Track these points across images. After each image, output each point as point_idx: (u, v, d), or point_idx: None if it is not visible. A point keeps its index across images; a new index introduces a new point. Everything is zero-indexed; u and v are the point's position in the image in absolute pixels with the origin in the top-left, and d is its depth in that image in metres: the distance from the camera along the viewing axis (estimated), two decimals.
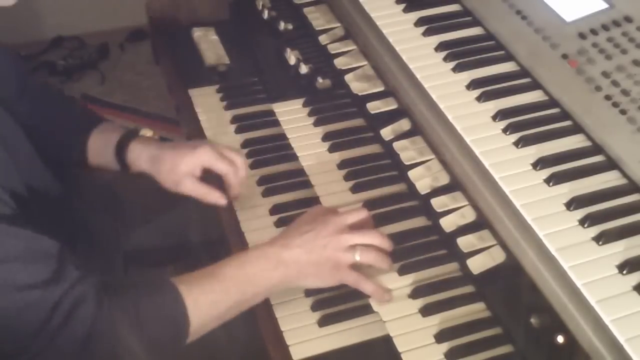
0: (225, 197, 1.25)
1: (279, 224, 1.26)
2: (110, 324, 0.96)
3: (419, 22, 1.24)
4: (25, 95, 1.29)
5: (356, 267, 1.12)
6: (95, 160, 1.34)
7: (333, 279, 1.10)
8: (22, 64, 1.35)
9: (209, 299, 1.03)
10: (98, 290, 0.97)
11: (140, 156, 1.29)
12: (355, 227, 1.13)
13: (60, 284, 0.94)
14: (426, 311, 1.09)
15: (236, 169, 1.26)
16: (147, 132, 1.36)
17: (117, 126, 1.36)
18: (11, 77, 1.26)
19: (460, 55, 1.17)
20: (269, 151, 1.39)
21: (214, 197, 1.25)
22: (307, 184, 1.31)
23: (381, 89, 1.32)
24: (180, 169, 1.24)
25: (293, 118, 1.42)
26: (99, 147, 1.32)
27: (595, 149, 1.02)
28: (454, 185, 1.15)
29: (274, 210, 1.28)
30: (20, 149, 1.14)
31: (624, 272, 0.88)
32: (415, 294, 1.11)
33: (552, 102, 1.09)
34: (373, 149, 1.36)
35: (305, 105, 1.45)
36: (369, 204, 1.24)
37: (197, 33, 1.67)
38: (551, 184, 0.98)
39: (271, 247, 1.09)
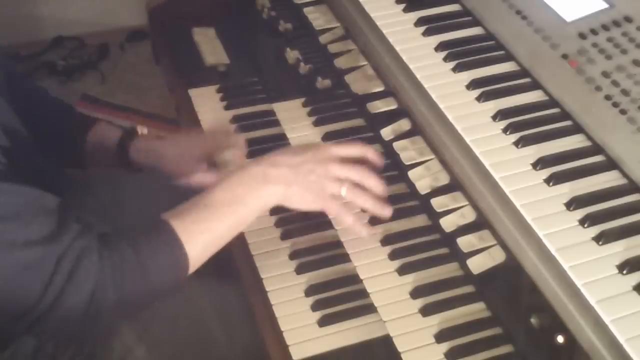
0: None
1: (279, 223, 1.26)
2: (113, 273, 0.96)
3: (419, 22, 1.24)
4: (18, 95, 1.29)
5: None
6: (94, 160, 1.35)
7: (315, 204, 1.10)
8: (11, 64, 1.35)
9: (202, 228, 1.03)
10: (98, 242, 0.97)
11: (145, 153, 1.30)
12: (349, 162, 1.12)
13: (62, 239, 0.94)
14: (426, 311, 1.09)
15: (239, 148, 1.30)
16: (143, 130, 1.36)
17: (113, 126, 1.36)
18: None
19: (460, 55, 1.17)
20: (269, 151, 1.38)
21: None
22: None
23: (381, 89, 1.32)
24: (187, 160, 1.26)
25: (293, 118, 1.42)
26: (98, 148, 1.33)
27: (595, 149, 1.02)
28: (454, 185, 1.15)
29: (274, 210, 1.28)
30: (3, 113, 1.13)
31: (624, 272, 0.88)
32: (415, 294, 1.11)
33: (552, 102, 1.09)
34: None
35: (305, 105, 1.45)
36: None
37: (197, 33, 1.67)
38: (551, 184, 0.98)
39: (258, 165, 1.09)
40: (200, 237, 1.03)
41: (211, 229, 1.04)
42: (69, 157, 1.35)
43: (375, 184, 1.12)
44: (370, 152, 1.17)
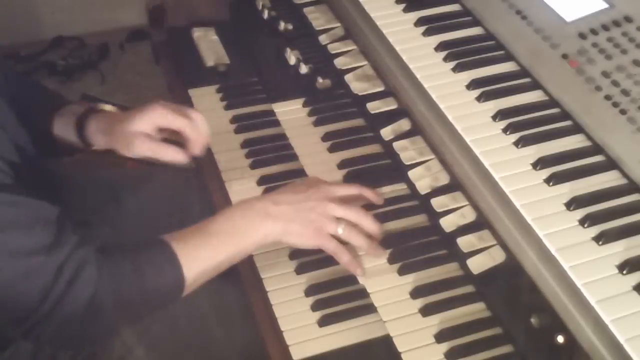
0: (183, 153, 1.19)
1: None
2: (111, 285, 0.98)
3: (419, 22, 1.24)
4: (14, 87, 1.28)
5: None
6: (63, 143, 1.29)
7: (313, 242, 1.12)
8: (8, 65, 1.33)
9: (201, 255, 1.05)
10: (97, 253, 0.98)
11: (97, 130, 1.24)
12: (347, 203, 1.15)
13: (62, 249, 0.96)
14: (426, 311, 1.09)
15: (194, 123, 1.20)
16: (107, 107, 1.31)
17: (78, 106, 1.30)
18: None
19: (460, 55, 1.17)
20: (269, 151, 1.39)
21: (169, 153, 1.18)
22: None
23: (381, 89, 1.32)
24: (131, 129, 1.18)
25: (293, 118, 1.42)
26: (63, 129, 1.28)
27: (595, 149, 1.02)
28: (454, 185, 1.15)
29: None
30: (7, 120, 1.13)
31: (624, 272, 0.88)
32: (415, 294, 1.11)
33: (552, 102, 1.09)
34: (373, 149, 1.36)
35: (305, 105, 1.45)
36: (369, 204, 1.24)
37: (197, 33, 1.67)
38: (551, 184, 0.98)
39: (260, 202, 1.12)
40: (198, 262, 1.05)
41: (209, 256, 1.06)
42: (42, 142, 1.28)
43: (370, 224, 1.15)
44: (368, 193, 1.20)
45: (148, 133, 1.19)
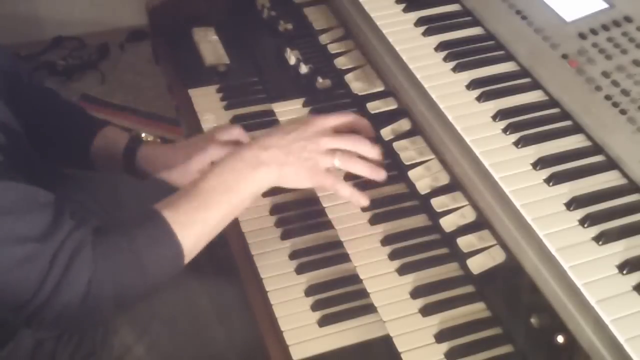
0: None
1: (279, 224, 1.26)
2: (108, 266, 0.97)
3: (419, 22, 1.24)
4: (19, 88, 1.29)
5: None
6: (100, 164, 1.34)
7: (310, 181, 1.11)
8: (17, 64, 1.35)
9: (195, 218, 1.02)
10: (93, 236, 0.97)
11: (150, 163, 1.28)
12: (339, 132, 1.12)
13: (57, 234, 0.95)
14: (426, 311, 1.09)
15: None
16: (148, 137, 1.36)
17: (119, 131, 1.35)
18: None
19: (460, 55, 1.17)
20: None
21: None
22: None
23: (381, 89, 1.32)
24: (192, 169, 1.22)
25: (293, 118, 1.42)
26: (105, 152, 1.32)
27: (595, 149, 1.02)
28: (454, 185, 1.15)
29: (275, 210, 1.28)
30: (10, 130, 1.12)
31: (624, 272, 0.88)
32: (415, 294, 1.11)
33: (552, 102, 1.09)
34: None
35: (305, 105, 1.45)
36: (369, 204, 1.24)
37: (197, 33, 1.67)
38: (551, 184, 0.98)
39: (249, 150, 1.08)
40: (193, 227, 1.02)
41: (204, 218, 1.03)
42: (76, 159, 1.34)
43: (368, 149, 1.12)
44: (361, 120, 1.17)
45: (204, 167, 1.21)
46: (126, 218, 1.05)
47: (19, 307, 0.95)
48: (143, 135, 1.35)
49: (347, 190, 1.11)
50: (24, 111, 1.23)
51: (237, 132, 1.27)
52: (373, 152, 1.13)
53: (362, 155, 1.13)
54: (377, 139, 1.33)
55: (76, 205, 1.17)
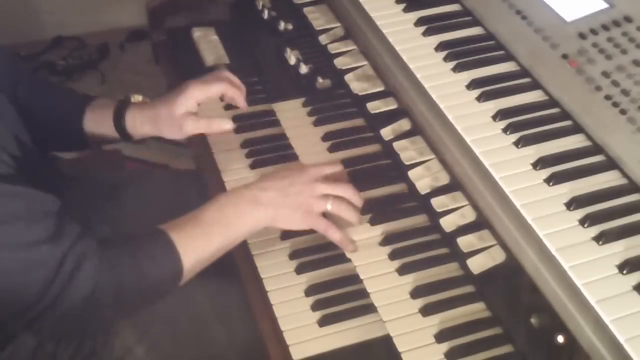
0: (229, 121, 1.29)
1: None
2: (111, 277, 1.00)
3: (419, 22, 1.24)
4: (20, 86, 1.29)
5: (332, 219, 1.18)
6: (95, 137, 1.34)
7: (304, 223, 1.16)
8: (13, 58, 1.35)
9: (196, 244, 1.08)
10: (98, 245, 1.00)
11: (139, 122, 1.30)
12: (330, 180, 1.19)
13: (63, 241, 0.98)
14: (426, 311, 1.09)
15: (228, 82, 1.29)
16: (137, 98, 1.35)
17: (107, 100, 1.35)
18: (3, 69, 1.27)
19: (460, 55, 1.17)
20: (269, 151, 1.39)
21: (220, 124, 1.27)
22: None
23: (381, 89, 1.32)
24: (177, 113, 1.25)
25: (293, 118, 1.42)
26: (96, 124, 1.32)
27: (595, 149, 1.02)
28: (454, 185, 1.15)
29: None
30: (6, 113, 1.14)
31: (624, 272, 0.88)
32: (415, 294, 1.11)
33: (552, 102, 1.09)
34: (373, 149, 1.36)
35: (305, 105, 1.45)
36: (369, 204, 1.24)
37: (197, 33, 1.67)
38: (551, 184, 0.98)
39: (249, 190, 1.15)
40: (194, 252, 1.08)
41: (204, 246, 1.09)
42: (71, 139, 1.36)
43: (353, 195, 1.19)
44: (340, 168, 1.26)
45: (193, 112, 1.26)
46: (132, 233, 1.08)
47: (21, 312, 0.96)
48: (132, 96, 1.35)
49: (337, 235, 1.17)
50: (21, 102, 1.23)
51: (220, 77, 1.30)
52: (357, 198, 1.20)
53: (349, 201, 1.19)
54: (377, 139, 1.34)
55: (81, 208, 1.18)
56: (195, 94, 1.26)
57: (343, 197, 1.18)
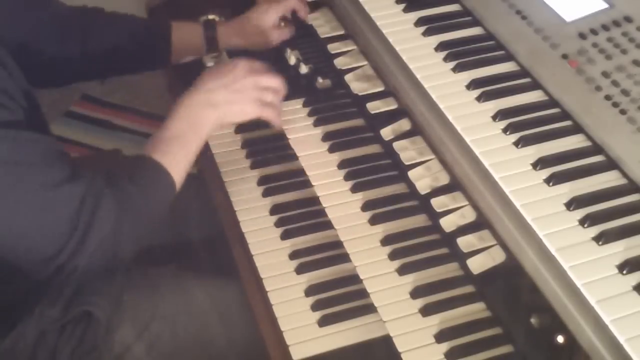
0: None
1: (279, 224, 1.26)
2: (124, 208, 1.07)
3: (419, 22, 1.24)
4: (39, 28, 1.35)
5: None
6: (180, 53, 1.51)
7: (255, 113, 1.25)
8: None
9: (178, 158, 1.16)
10: (105, 182, 1.08)
11: (227, 34, 1.50)
12: (260, 71, 1.29)
13: (80, 180, 1.05)
14: (426, 311, 1.09)
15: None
16: (214, 17, 1.55)
17: (189, 26, 1.52)
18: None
19: (460, 55, 1.17)
20: (269, 151, 1.39)
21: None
22: (307, 184, 1.31)
23: (381, 89, 1.32)
24: (265, 26, 1.49)
25: (293, 118, 1.42)
26: (184, 47, 1.50)
27: (595, 149, 1.02)
28: (454, 185, 1.15)
29: (274, 210, 1.28)
30: (22, 83, 1.17)
31: (624, 272, 0.88)
32: (415, 294, 1.11)
33: (552, 102, 1.09)
34: (373, 149, 1.36)
35: (305, 105, 1.45)
36: (369, 204, 1.24)
37: None
38: (551, 184, 0.98)
39: (196, 94, 1.22)
40: (178, 165, 1.16)
41: (183, 157, 1.17)
42: (155, 56, 1.52)
43: (281, 85, 1.31)
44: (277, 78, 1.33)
45: (276, 24, 1.50)
46: (125, 166, 1.16)
47: (53, 256, 1.01)
48: (211, 17, 1.54)
49: (279, 120, 1.29)
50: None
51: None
52: (282, 87, 1.31)
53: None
54: (377, 139, 1.34)
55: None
56: (277, 9, 1.49)
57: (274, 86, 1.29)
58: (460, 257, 1.11)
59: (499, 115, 1.07)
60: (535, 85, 1.12)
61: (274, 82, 1.29)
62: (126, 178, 1.11)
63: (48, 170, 1.02)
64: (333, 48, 1.42)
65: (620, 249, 0.90)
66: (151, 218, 1.14)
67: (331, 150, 1.36)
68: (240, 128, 1.44)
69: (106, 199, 1.05)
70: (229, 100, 1.22)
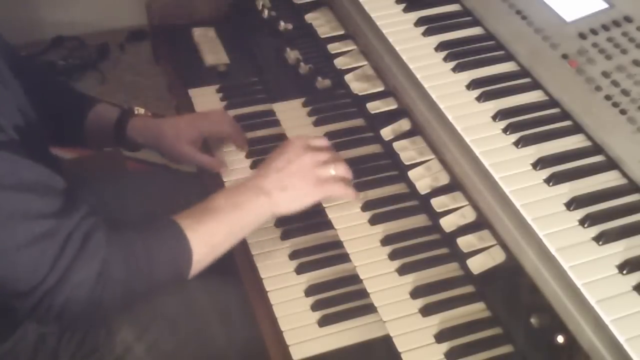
0: (225, 165, 1.37)
1: (279, 224, 1.26)
2: (119, 257, 0.99)
3: (419, 22, 1.24)
4: (21, 76, 1.29)
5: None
6: (94, 139, 1.39)
7: (320, 194, 1.16)
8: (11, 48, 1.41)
9: (205, 229, 1.07)
10: (106, 225, 1.01)
11: (141, 134, 1.36)
12: (318, 147, 1.20)
13: (72, 215, 0.97)
14: (426, 311, 1.09)
15: (235, 127, 1.38)
16: (140, 110, 1.42)
17: (111, 106, 1.40)
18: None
19: (460, 55, 1.17)
20: (269, 151, 1.38)
21: (215, 164, 1.36)
22: None
23: (381, 89, 1.32)
24: (182, 142, 1.33)
25: (293, 118, 1.42)
26: (97, 127, 1.37)
27: (595, 149, 1.02)
28: (454, 185, 1.15)
29: None
30: (19, 97, 1.15)
31: (624, 272, 0.88)
32: (415, 294, 1.11)
33: (552, 102, 1.09)
34: (373, 149, 1.36)
35: (305, 105, 1.45)
36: (369, 204, 1.24)
37: (197, 33, 1.67)
38: (551, 184, 0.98)
39: (250, 181, 1.15)
40: (203, 237, 1.07)
41: (213, 231, 1.08)
42: (70, 136, 1.39)
43: (342, 161, 1.22)
44: (325, 139, 1.26)
45: (197, 144, 1.35)
46: (140, 219, 1.10)
47: (29, 290, 0.94)
48: (135, 108, 1.41)
49: (350, 190, 1.19)
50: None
51: (228, 117, 1.40)
52: (346, 168, 1.21)
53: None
54: (377, 139, 1.34)
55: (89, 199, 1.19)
56: (205, 129, 1.36)
57: (339, 159, 1.20)
58: (460, 257, 1.11)
59: (499, 115, 1.07)
60: (535, 85, 1.12)
61: (333, 157, 1.20)
62: (134, 228, 1.04)
63: (35, 199, 0.95)
64: (333, 48, 1.41)
65: (620, 249, 0.90)
66: (151, 279, 1.03)
67: None
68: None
69: (96, 240, 0.98)
70: (280, 187, 1.13)
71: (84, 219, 0.98)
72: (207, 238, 1.07)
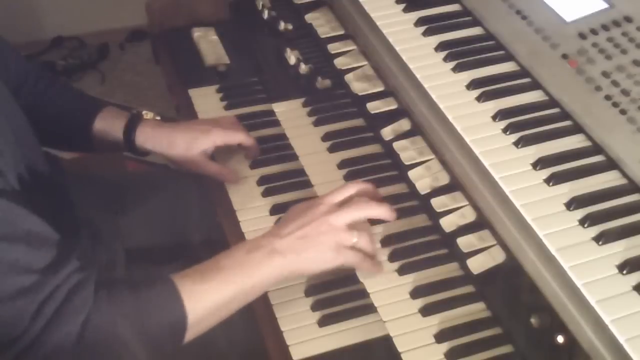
0: (237, 175, 1.33)
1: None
2: (106, 315, 0.94)
3: (419, 22, 1.24)
4: (27, 82, 1.29)
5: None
6: (101, 145, 1.35)
7: (335, 261, 1.08)
8: (20, 56, 1.38)
9: (204, 290, 1.01)
10: (96, 282, 0.95)
11: (150, 139, 1.32)
12: (345, 204, 1.11)
13: (60, 271, 0.93)
14: (426, 311, 1.09)
15: (248, 136, 1.34)
16: (148, 114, 1.40)
17: (119, 110, 1.36)
18: (10, 64, 1.26)
19: (460, 55, 1.17)
20: (269, 151, 1.39)
21: (226, 174, 1.32)
22: (307, 184, 1.31)
23: (381, 89, 1.32)
24: (194, 151, 1.30)
25: (293, 118, 1.42)
26: (104, 132, 1.33)
27: (595, 149, 1.02)
28: (454, 185, 1.15)
29: (274, 210, 1.28)
30: (24, 133, 1.13)
31: (624, 272, 0.88)
32: (415, 294, 1.11)
33: (552, 102, 1.09)
34: (373, 149, 1.36)
35: (305, 105, 1.45)
36: None
37: (197, 33, 1.67)
38: (551, 184, 0.98)
39: (263, 239, 1.08)
40: (202, 300, 1.00)
41: (213, 293, 1.01)
42: (77, 142, 1.37)
43: (380, 211, 1.13)
44: (364, 186, 1.17)
45: (209, 153, 1.32)
46: (135, 276, 1.04)
47: (8, 343, 0.91)
48: (143, 112, 1.39)
49: (368, 263, 1.12)
50: (27, 100, 1.23)
51: (241, 126, 1.36)
52: (384, 212, 1.14)
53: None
54: (377, 139, 1.34)
55: (83, 206, 1.17)
56: (218, 139, 1.31)
57: (367, 229, 1.13)
58: (460, 257, 1.11)
59: (499, 115, 1.07)
60: (535, 85, 1.12)
61: (362, 212, 1.11)
62: (127, 284, 0.98)
63: (25, 252, 0.91)
64: (333, 48, 1.42)
65: (620, 249, 0.90)
66: (141, 340, 0.96)
67: (331, 150, 1.36)
68: None
69: (82, 297, 0.93)
70: (298, 249, 1.05)
71: (72, 274, 0.94)
72: (205, 301, 1.00)
